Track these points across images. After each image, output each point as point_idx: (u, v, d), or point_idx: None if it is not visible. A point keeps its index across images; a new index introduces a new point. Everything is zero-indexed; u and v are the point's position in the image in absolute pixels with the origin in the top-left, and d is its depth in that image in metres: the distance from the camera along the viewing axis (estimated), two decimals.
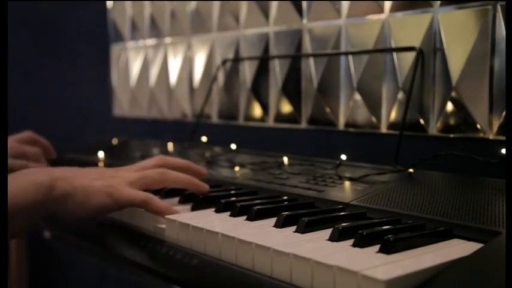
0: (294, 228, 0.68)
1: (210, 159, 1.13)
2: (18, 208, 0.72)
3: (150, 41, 1.58)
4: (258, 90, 1.26)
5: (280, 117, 1.21)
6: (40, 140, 1.16)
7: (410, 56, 0.96)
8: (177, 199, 0.87)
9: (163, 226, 0.76)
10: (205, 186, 0.86)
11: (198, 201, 0.82)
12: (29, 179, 0.74)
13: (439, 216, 0.68)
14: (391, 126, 1.00)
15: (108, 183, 0.79)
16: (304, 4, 1.15)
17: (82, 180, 0.78)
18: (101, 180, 0.79)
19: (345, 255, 0.58)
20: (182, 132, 1.42)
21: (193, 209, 0.82)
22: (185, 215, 0.77)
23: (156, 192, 0.87)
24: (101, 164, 1.18)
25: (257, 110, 1.26)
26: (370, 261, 0.56)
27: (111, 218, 0.86)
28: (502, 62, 0.84)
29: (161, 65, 1.54)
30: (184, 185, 0.85)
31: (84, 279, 1.95)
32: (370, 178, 0.86)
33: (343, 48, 1.08)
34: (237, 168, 1.04)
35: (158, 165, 0.86)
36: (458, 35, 0.89)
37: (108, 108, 1.77)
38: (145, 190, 0.81)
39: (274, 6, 1.21)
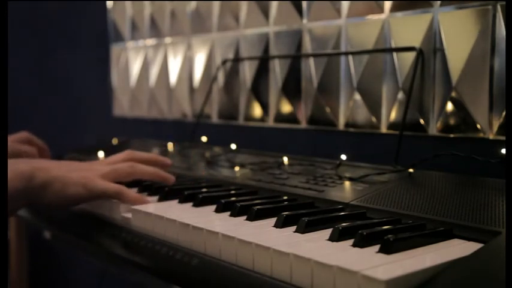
0: (294, 228, 0.68)
1: (210, 159, 1.13)
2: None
3: (150, 41, 1.58)
4: (258, 90, 1.26)
5: (280, 117, 1.21)
6: (35, 141, 1.17)
7: (410, 56, 0.96)
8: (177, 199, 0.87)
9: (164, 226, 0.76)
10: (171, 178, 0.93)
11: (200, 200, 0.83)
12: (11, 169, 0.81)
13: (439, 216, 0.68)
14: (391, 126, 1.00)
15: (84, 174, 0.86)
16: (304, 4, 1.15)
17: (59, 171, 0.85)
18: (76, 172, 0.87)
19: (345, 255, 0.58)
20: (182, 132, 1.42)
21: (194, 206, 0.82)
22: (185, 215, 0.77)
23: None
24: None
25: (257, 110, 1.26)
26: (370, 261, 0.56)
27: (110, 218, 0.87)
28: (502, 62, 0.84)
29: (161, 65, 1.54)
30: (152, 177, 0.93)
31: (84, 279, 1.95)
32: (370, 178, 0.86)
33: (343, 48, 1.08)
34: (237, 168, 1.04)
35: (127, 159, 0.95)
36: (458, 35, 0.89)
37: (108, 108, 1.77)
38: (119, 182, 0.88)
39: (274, 6, 1.21)
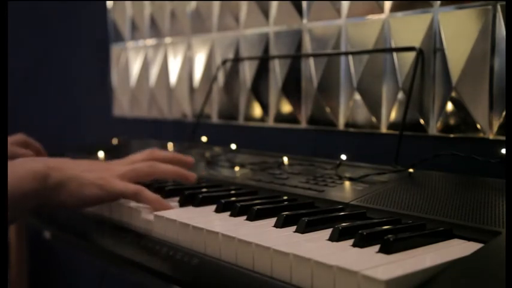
0: (294, 228, 0.68)
1: (210, 159, 1.13)
2: (15, 196, 0.74)
3: (150, 41, 1.58)
4: (258, 90, 1.26)
5: (280, 117, 1.21)
6: (32, 143, 1.16)
7: (410, 56, 0.96)
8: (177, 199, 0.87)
9: (164, 226, 0.76)
10: (193, 176, 0.90)
11: (200, 200, 0.83)
12: (25, 168, 0.77)
13: (439, 216, 0.68)
14: (391, 126, 1.00)
15: (100, 175, 0.82)
16: (304, 4, 1.14)
17: (75, 171, 0.82)
18: (93, 173, 0.83)
19: (345, 255, 0.58)
20: (182, 132, 1.42)
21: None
22: (186, 215, 0.77)
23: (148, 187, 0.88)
24: None
25: (257, 110, 1.26)
26: (370, 261, 0.56)
27: (110, 218, 0.87)
28: (502, 62, 0.84)
29: (161, 65, 1.54)
30: (173, 176, 0.89)
31: (84, 279, 1.95)
32: (370, 178, 0.86)
33: (343, 48, 1.08)
34: (237, 168, 1.04)
35: (147, 158, 0.90)
36: (458, 35, 0.89)
37: (108, 108, 1.77)
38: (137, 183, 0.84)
39: (274, 6, 1.21)
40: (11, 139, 1.14)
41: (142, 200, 0.82)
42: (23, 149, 1.12)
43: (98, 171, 0.83)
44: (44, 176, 0.78)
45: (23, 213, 0.80)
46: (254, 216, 0.73)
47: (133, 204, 0.84)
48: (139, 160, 0.90)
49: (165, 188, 0.91)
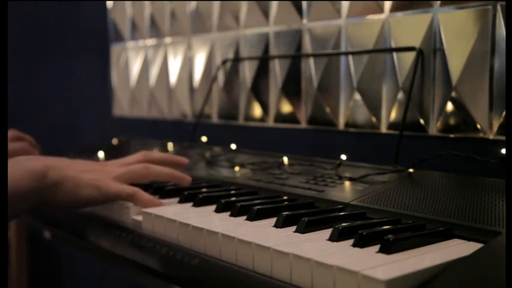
0: (294, 228, 0.68)
1: (210, 159, 1.13)
2: (13, 194, 0.74)
3: (150, 41, 1.58)
4: (258, 90, 1.26)
5: (280, 117, 1.21)
6: (25, 137, 1.16)
7: (410, 56, 0.96)
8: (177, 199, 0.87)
9: (164, 226, 0.76)
10: (187, 179, 0.90)
11: (199, 200, 0.83)
12: (23, 167, 0.77)
13: (439, 216, 0.68)
14: (391, 126, 1.00)
15: (96, 176, 0.83)
16: (304, 4, 1.14)
17: (72, 171, 0.82)
18: (89, 173, 0.84)
19: (345, 255, 0.58)
20: (182, 132, 1.42)
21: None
22: (186, 215, 0.77)
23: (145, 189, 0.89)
24: None
25: (257, 110, 1.26)
26: (370, 261, 0.56)
27: (110, 218, 0.87)
28: (502, 62, 0.84)
29: (161, 65, 1.54)
30: (167, 178, 0.90)
31: (84, 279, 1.95)
32: (370, 178, 0.86)
33: (343, 48, 1.08)
34: (237, 168, 1.04)
35: (142, 160, 0.91)
36: (458, 35, 0.89)
37: (108, 108, 1.77)
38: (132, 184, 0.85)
39: (274, 6, 1.21)
40: None
41: (137, 201, 0.83)
42: (17, 143, 1.12)
43: (94, 172, 0.84)
44: (42, 174, 0.78)
45: (21, 211, 0.80)
46: (254, 216, 0.73)
47: (132, 204, 0.84)
48: (134, 162, 0.91)
49: (164, 188, 0.91)
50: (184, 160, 0.96)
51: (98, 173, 0.85)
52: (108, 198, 0.83)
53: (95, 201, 0.83)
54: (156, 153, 0.95)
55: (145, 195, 0.83)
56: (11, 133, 1.15)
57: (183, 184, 0.90)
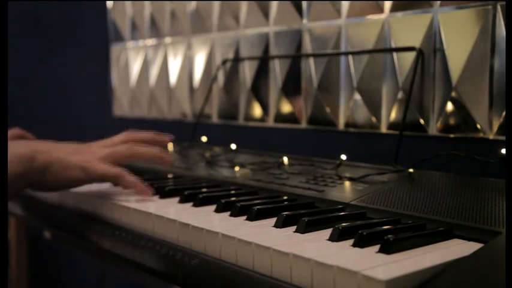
0: (294, 228, 0.68)
1: (210, 159, 1.13)
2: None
3: (150, 41, 1.58)
4: (258, 90, 1.26)
5: (280, 117, 1.21)
6: (28, 136, 1.16)
7: (410, 56, 0.96)
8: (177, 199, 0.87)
9: (164, 226, 0.76)
10: (169, 159, 0.94)
11: (199, 200, 0.83)
12: (11, 152, 0.80)
13: (439, 216, 0.68)
14: (391, 126, 1.00)
15: (83, 158, 0.87)
16: (304, 4, 1.15)
17: (59, 153, 0.86)
18: (76, 155, 0.87)
19: (345, 255, 0.58)
20: (182, 132, 1.42)
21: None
22: (185, 214, 0.77)
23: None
24: None
25: (257, 110, 1.27)
26: (370, 261, 0.56)
27: (110, 218, 0.87)
28: (502, 62, 0.84)
29: (161, 65, 1.54)
30: (150, 158, 0.93)
31: (84, 279, 1.95)
32: (370, 178, 0.86)
33: (343, 48, 1.08)
34: (237, 168, 1.04)
35: (125, 140, 0.95)
36: (458, 35, 0.89)
37: (108, 108, 1.77)
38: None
39: (274, 6, 1.21)
40: (8, 133, 1.14)
41: (123, 183, 0.86)
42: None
43: (81, 154, 0.88)
44: (29, 158, 0.81)
45: (11, 195, 0.82)
46: (254, 216, 0.73)
47: (133, 204, 0.84)
48: (118, 142, 0.94)
49: (164, 188, 0.91)
50: (166, 138, 1.00)
51: (84, 155, 0.88)
52: (94, 179, 0.86)
53: (81, 182, 0.86)
54: (139, 134, 0.98)
55: (131, 178, 0.86)
56: (14, 131, 1.16)
57: (165, 164, 0.94)
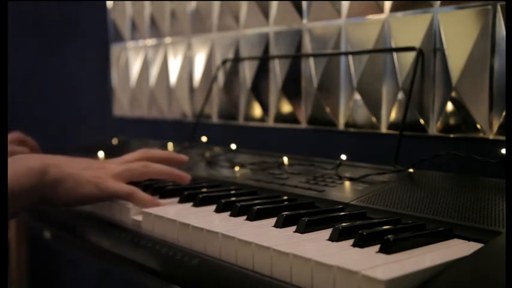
0: (294, 228, 0.68)
1: (210, 159, 1.13)
2: (13, 192, 0.75)
3: (150, 41, 1.58)
4: (258, 90, 1.26)
5: (280, 117, 1.21)
6: (28, 141, 1.16)
7: (410, 56, 0.96)
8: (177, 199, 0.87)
9: (164, 226, 0.76)
10: (187, 176, 0.90)
11: (199, 200, 0.83)
12: (23, 165, 0.78)
13: (439, 216, 0.68)
14: (391, 126, 1.00)
15: (96, 174, 0.84)
16: (304, 4, 1.14)
17: (72, 168, 0.83)
18: (89, 171, 0.84)
19: (345, 255, 0.58)
20: (182, 132, 1.42)
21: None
22: (186, 215, 0.77)
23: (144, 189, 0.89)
24: None
25: (257, 110, 1.26)
26: (370, 261, 0.56)
27: (110, 218, 0.87)
28: (502, 62, 0.84)
29: (161, 65, 1.54)
30: (167, 176, 0.90)
31: (84, 279, 1.95)
32: (370, 178, 0.86)
33: (343, 48, 1.08)
34: (237, 168, 1.04)
35: (141, 158, 0.91)
36: (458, 35, 0.89)
37: (108, 108, 1.77)
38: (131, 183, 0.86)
39: (274, 6, 1.21)
40: (8, 137, 1.14)
41: (135, 200, 0.83)
42: (19, 146, 1.12)
43: (94, 170, 0.85)
44: (41, 172, 0.79)
45: (21, 209, 0.81)
46: (254, 216, 0.73)
47: (132, 204, 0.84)
48: (134, 159, 0.90)
49: (165, 188, 0.91)
50: (184, 158, 0.96)
51: (97, 170, 0.85)
52: (107, 197, 0.84)
53: (94, 198, 0.84)
54: (155, 151, 0.94)
55: (144, 195, 0.83)
56: (15, 135, 1.15)
57: (182, 182, 0.90)
